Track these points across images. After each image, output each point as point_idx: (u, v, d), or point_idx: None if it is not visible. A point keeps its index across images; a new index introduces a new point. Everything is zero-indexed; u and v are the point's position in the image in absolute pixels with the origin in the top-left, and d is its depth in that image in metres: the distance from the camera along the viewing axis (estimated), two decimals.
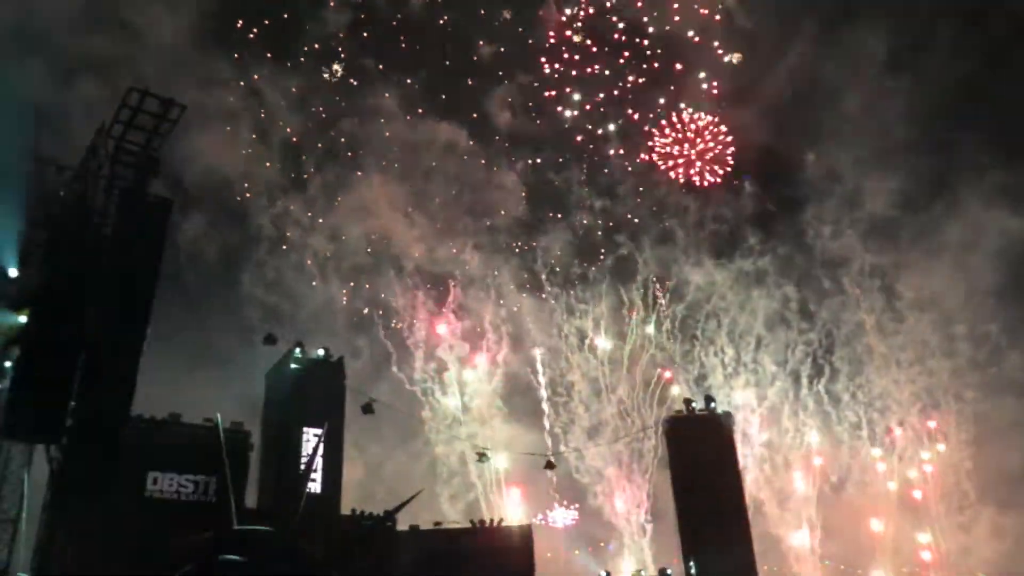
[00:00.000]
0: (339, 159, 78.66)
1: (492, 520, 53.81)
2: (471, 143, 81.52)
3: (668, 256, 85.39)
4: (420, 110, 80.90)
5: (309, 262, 74.56)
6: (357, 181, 78.52)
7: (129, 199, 31.66)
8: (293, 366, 50.39)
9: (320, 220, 76.68)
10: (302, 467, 45.73)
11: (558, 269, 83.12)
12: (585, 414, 77.99)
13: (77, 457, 28.49)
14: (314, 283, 74.30)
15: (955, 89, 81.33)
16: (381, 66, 79.43)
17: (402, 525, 48.68)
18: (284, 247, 74.25)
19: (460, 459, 72.83)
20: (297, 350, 50.69)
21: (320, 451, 45.48)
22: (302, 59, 77.76)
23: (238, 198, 73.11)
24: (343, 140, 79.16)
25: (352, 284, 76.89)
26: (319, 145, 78.17)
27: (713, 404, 59.63)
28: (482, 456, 58.14)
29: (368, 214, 77.24)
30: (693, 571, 53.34)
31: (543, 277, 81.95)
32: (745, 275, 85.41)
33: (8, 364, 30.37)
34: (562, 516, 76.79)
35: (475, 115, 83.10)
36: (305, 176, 77.36)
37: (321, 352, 51.77)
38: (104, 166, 31.75)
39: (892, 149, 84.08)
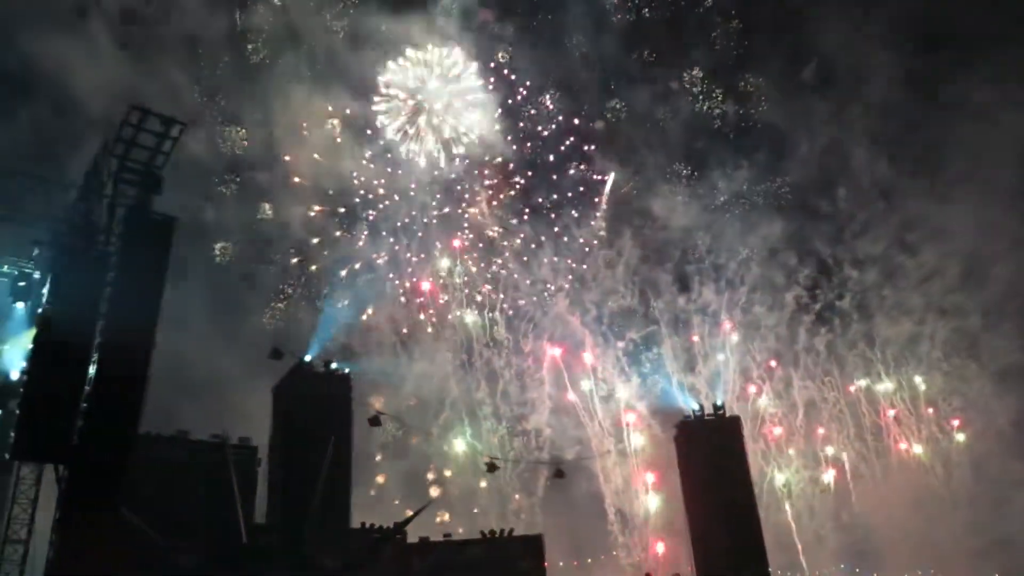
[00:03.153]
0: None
1: (502, 531, 53.66)
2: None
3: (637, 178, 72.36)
4: None
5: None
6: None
7: (133, 217, 31.67)
8: (299, 381, 50.51)
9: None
10: (310, 481, 45.79)
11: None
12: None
13: (85, 476, 28.48)
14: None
15: None
16: None
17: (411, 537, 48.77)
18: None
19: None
20: (308, 357, 50.93)
21: (328, 465, 45.60)
22: None
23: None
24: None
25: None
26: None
27: (722, 409, 59.55)
28: (492, 467, 58.06)
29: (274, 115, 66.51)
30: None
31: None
32: (724, 199, 71.68)
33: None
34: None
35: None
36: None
37: (334, 366, 52.09)
38: (107, 185, 31.82)
39: (887, 25, 68.34)
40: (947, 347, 70.94)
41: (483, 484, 68.84)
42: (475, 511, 68.88)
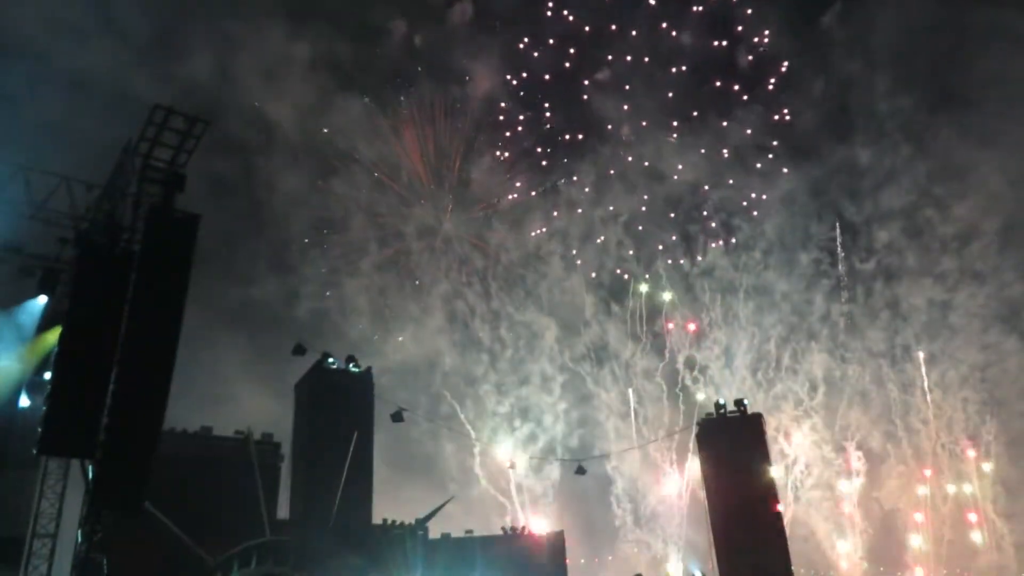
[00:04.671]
0: None
1: (524, 527, 53.62)
2: None
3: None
4: None
5: None
6: None
7: (156, 215, 31.84)
8: (322, 377, 50.67)
9: None
10: (333, 477, 45.95)
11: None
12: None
13: (111, 471, 28.73)
14: None
15: None
16: None
17: (433, 533, 48.73)
18: None
19: None
20: (329, 360, 50.90)
21: (350, 461, 45.73)
22: None
23: None
24: None
25: None
26: None
27: (744, 406, 59.03)
28: (512, 465, 58.16)
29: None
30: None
31: None
32: (732, 147, 65.74)
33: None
34: None
35: None
36: None
37: (352, 366, 52.01)
38: (131, 183, 32.02)
39: None
40: (983, 317, 64.87)
41: (484, 483, 67.74)
42: (487, 506, 68.53)
